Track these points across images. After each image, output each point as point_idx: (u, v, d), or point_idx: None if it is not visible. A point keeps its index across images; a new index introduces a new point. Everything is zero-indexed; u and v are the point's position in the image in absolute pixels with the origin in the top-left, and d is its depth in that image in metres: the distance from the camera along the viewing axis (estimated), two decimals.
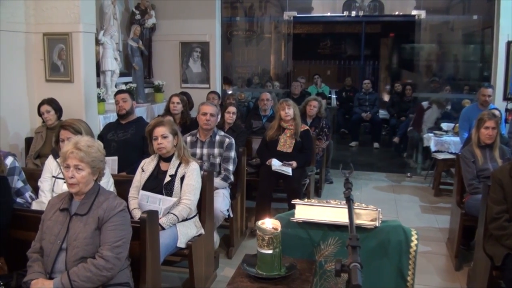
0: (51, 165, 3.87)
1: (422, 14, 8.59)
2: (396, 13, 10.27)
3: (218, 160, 4.67)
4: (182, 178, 3.78)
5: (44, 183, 3.81)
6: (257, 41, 11.07)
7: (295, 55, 10.92)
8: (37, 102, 5.24)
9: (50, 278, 2.69)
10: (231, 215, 4.70)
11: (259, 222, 2.41)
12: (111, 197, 2.85)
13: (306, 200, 2.83)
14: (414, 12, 8.73)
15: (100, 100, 6.15)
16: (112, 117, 5.73)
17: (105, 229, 2.71)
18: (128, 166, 4.63)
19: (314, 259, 2.72)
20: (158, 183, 3.78)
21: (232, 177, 4.71)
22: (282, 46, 10.85)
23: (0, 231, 3.21)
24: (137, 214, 3.61)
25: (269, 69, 11.45)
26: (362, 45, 14.46)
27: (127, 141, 4.93)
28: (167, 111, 6.32)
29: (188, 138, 4.77)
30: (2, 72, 5.32)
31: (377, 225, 2.64)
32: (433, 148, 7.10)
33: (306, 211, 2.75)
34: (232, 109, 5.88)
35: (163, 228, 3.54)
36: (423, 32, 8.85)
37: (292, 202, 2.82)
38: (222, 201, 4.50)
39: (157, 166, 3.89)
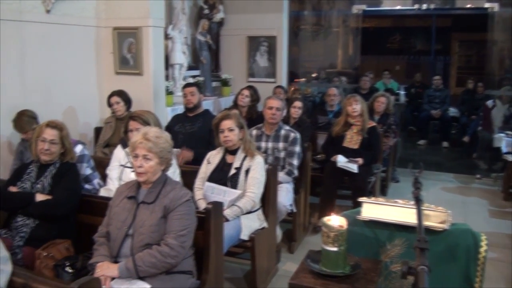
0: (119, 154, 3.97)
1: (495, 6, 8.22)
2: (468, 6, 9.87)
3: (282, 155, 4.64)
4: (247, 171, 3.79)
5: (112, 171, 3.92)
6: (325, 35, 10.95)
7: (363, 50, 10.71)
8: (107, 94, 5.38)
9: (115, 262, 2.76)
10: (295, 210, 4.67)
11: (325, 219, 2.37)
12: (177, 187, 2.88)
13: (373, 198, 2.76)
14: (486, 5, 8.36)
15: (168, 92, 6.26)
16: (180, 110, 5.80)
17: (170, 218, 2.75)
18: (194, 158, 4.68)
19: (379, 259, 2.65)
20: (223, 175, 3.81)
21: (296, 172, 4.67)
22: (350, 41, 10.68)
23: (69, 215, 3.35)
24: (202, 205, 3.65)
25: (336, 63, 11.29)
26: (432, 40, 13.98)
27: (194, 134, 4.98)
28: (235, 104, 6.36)
29: (254, 132, 4.77)
30: (74, 65, 5.51)
31: (446, 228, 2.53)
32: (504, 149, 6.76)
33: (373, 209, 2.68)
34: (298, 103, 5.84)
35: (227, 220, 3.56)
36: (496, 26, 8.46)
37: (359, 200, 2.76)
38: (285, 195, 4.47)
39: (223, 158, 3.92)
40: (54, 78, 5.23)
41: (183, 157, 4.68)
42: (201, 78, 7.44)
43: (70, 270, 2.91)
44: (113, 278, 2.67)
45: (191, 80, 6.90)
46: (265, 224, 3.88)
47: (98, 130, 5.61)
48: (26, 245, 3.17)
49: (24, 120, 4.37)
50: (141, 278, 2.67)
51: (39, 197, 3.28)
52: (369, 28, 13.95)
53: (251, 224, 3.76)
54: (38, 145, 3.41)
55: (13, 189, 3.38)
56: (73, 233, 3.34)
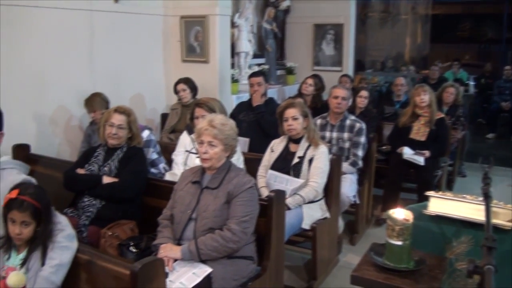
0: (185, 140, 4.04)
1: None
2: None
3: (347, 145, 4.57)
4: (311, 161, 3.75)
5: (178, 156, 3.99)
6: (393, 23, 10.66)
7: (432, 38, 10.34)
8: (174, 81, 5.45)
9: (178, 244, 2.81)
10: (358, 202, 4.59)
11: (391, 211, 2.31)
12: (241, 174, 2.90)
13: (440, 193, 2.67)
14: None
15: (234, 80, 6.29)
16: (245, 98, 5.82)
17: (233, 204, 2.76)
18: (257, 147, 4.68)
19: (444, 256, 2.56)
20: (286, 164, 3.79)
21: (360, 163, 4.59)
22: (418, 28, 10.35)
23: (134, 197, 3.43)
24: (264, 192, 3.66)
25: (404, 52, 10.98)
26: (504, 27, 13.35)
27: (260, 123, 4.98)
28: (299, 93, 6.32)
29: (318, 121, 4.71)
30: (141, 53, 5.64)
31: None
32: None
33: (440, 204, 2.58)
34: (364, 93, 5.72)
35: (289, 208, 3.54)
36: None
37: (426, 194, 2.67)
38: (349, 186, 4.41)
39: (286, 147, 3.90)
40: (122, 65, 5.38)
41: None
42: (266, 66, 7.44)
43: (134, 250, 2.99)
44: (175, 260, 2.72)
45: (256, 68, 6.90)
46: (327, 214, 3.85)
47: (164, 116, 5.72)
48: (91, 224, 3.28)
49: (96, 100, 4.54)
50: (203, 261, 2.71)
51: (106, 180, 3.38)
52: (439, 15, 13.45)
53: (313, 213, 3.73)
54: (106, 129, 3.51)
55: (80, 171, 3.49)
56: (138, 215, 3.43)
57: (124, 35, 5.38)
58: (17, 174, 2.67)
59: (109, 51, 5.22)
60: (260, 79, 5.16)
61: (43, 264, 2.38)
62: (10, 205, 2.36)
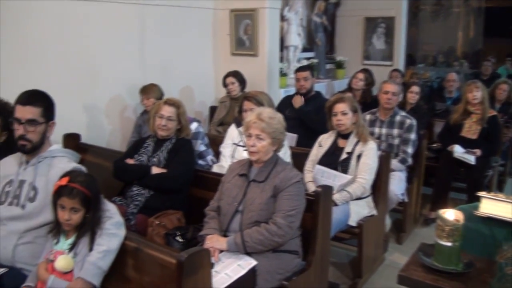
0: (233, 133, 4.06)
1: None
2: None
3: (396, 141, 4.49)
4: (359, 157, 3.71)
5: (226, 149, 4.02)
6: (445, 16, 10.36)
7: (485, 32, 9.97)
8: (222, 74, 5.48)
9: (224, 235, 2.82)
10: (406, 200, 4.51)
11: (441, 211, 2.25)
12: (288, 168, 2.89)
13: (492, 193, 2.58)
14: None
15: (282, 74, 6.28)
16: (293, 91, 5.79)
17: (280, 198, 2.76)
18: (304, 142, 4.65)
19: (494, 260, 2.48)
20: (334, 159, 3.75)
21: (410, 160, 4.50)
22: (471, 22, 10.01)
23: (182, 188, 3.47)
24: (311, 187, 3.64)
25: (456, 46, 10.65)
26: None
27: (304, 120, 4.95)
28: (349, 88, 6.25)
29: (368, 116, 4.65)
30: (191, 46, 5.71)
31: None
32: None
33: (492, 206, 2.49)
34: (415, 88, 5.60)
35: (336, 204, 3.51)
36: None
37: (478, 194, 2.59)
38: (397, 184, 4.33)
39: (335, 142, 3.86)
40: (172, 58, 5.45)
41: None
42: (315, 60, 7.39)
43: (180, 240, 3.03)
44: (221, 251, 2.74)
45: (305, 62, 6.86)
46: (374, 212, 3.79)
47: (213, 109, 5.77)
48: (139, 213, 3.34)
49: (152, 88, 4.67)
50: (248, 254, 2.72)
51: (155, 170, 3.43)
52: (492, 8, 12.93)
53: (360, 210, 3.69)
54: (156, 121, 3.57)
55: (130, 161, 3.56)
56: (185, 205, 3.47)
57: (175, 28, 5.44)
58: (68, 162, 2.74)
59: (160, 44, 5.29)
60: (307, 73, 5.11)
61: (91, 249, 2.42)
62: (60, 191, 2.42)
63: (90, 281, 2.34)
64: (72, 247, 2.45)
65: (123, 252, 2.47)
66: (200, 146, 4.12)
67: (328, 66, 8.03)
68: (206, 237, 2.82)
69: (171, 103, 3.60)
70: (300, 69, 5.27)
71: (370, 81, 6.29)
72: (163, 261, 2.28)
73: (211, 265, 2.40)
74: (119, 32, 4.85)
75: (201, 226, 3.00)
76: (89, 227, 2.45)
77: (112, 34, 4.80)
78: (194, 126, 4.11)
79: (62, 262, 2.39)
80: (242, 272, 2.60)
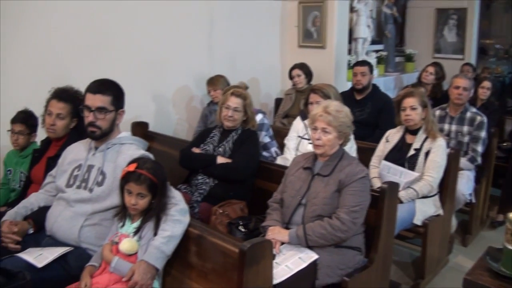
0: (298, 125, 4.04)
1: None
2: None
3: (466, 139, 4.33)
4: (427, 154, 3.61)
5: (290, 141, 4.00)
6: None
7: None
8: (289, 66, 5.45)
9: (286, 228, 2.82)
10: (473, 201, 4.35)
11: (510, 214, 2.15)
12: (354, 163, 2.84)
13: None
14: None
15: (350, 67, 6.17)
16: None
17: (344, 193, 2.72)
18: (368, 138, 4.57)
19: None
20: (401, 155, 3.68)
21: (479, 159, 4.33)
22: None
23: (246, 178, 3.50)
24: (376, 183, 3.58)
25: None
26: None
27: (363, 122, 4.71)
28: (419, 82, 6.08)
29: (437, 112, 4.51)
30: (258, 38, 5.72)
31: None
32: None
33: None
34: (487, 84, 5.37)
35: (401, 202, 3.44)
36: None
37: None
38: (465, 183, 4.19)
39: (402, 138, 3.78)
40: (239, 49, 5.48)
41: None
42: (384, 53, 7.24)
43: (243, 230, 3.05)
44: (282, 243, 2.74)
45: (374, 55, 6.74)
46: (440, 211, 3.68)
47: (278, 101, 5.76)
48: (203, 201, 3.40)
49: (219, 80, 4.74)
50: (310, 247, 2.70)
51: (220, 160, 3.47)
52: None
53: (426, 209, 3.59)
54: (222, 111, 3.61)
55: (196, 150, 3.61)
56: (248, 196, 3.50)
57: (243, 20, 5.47)
58: (136, 149, 2.81)
59: (228, 36, 5.34)
60: (365, 68, 4.96)
61: (155, 234, 2.49)
62: (128, 177, 2.49)
63: (153, 264, 2.40)
64: (137, 231, 2.52)
65: (186, 239, 2.53)
66: (265, 137, 4.13)
67: (397, 59, 7.84)
68: (268, 228, 2.83)
69: (238, 94, 3.62)
70: (358, 64, 5.13)
71: (440, 75, 6.09)
72: (225, 250, 2.31)
73: (273, 257, 2.40)
74: (188, 23, 4.93)
75: (263, 217, 3.01)
76: (154, 213, 2.52)
77: (182, 25, 4.88)
78: (259, 117, 4.12)
79: (127, 244, 2.47)
80: (303, 265, 2.59)
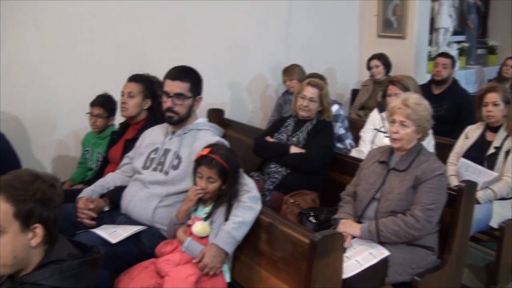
0: (375, 118, 3.96)
1: None
2: None
3: None
4: (507, 153, 3.45)
5: (366, 134, 3.94)
6: None
7: None
8: (367, 57, 5.37)
9: (358, 222, 2.78)
10: None
11: None
12: (431, 159, 2.75)
13: None
14: None
15: (430, 58, 5.99)
16: None
17: (420, 190, 2.65)
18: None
19: None
20: (480, 153, 3.53)
21: None
22: None
23: (319, 169, 3.48)
24: (453, 181, 3.46)
25: None
26: None
27: (440, 119, 4.51)
28: (499, 76, 5.80)
29: None
30: (337, 26, 5.69)
31: None
32: None
33: None
34: None
35: (478, 202, 3.31)
36: None
37: None
38: None
39: (482, 135, 3.63)
40: (317, 38, 5.46)
41: None
42: (466, 44, 6.96)
43: (313, 221, 3.04)
44: (353, 237, 2.70)
45: (455, 46, 6.50)
46: None
47: (355, 92, 5.68)
48: (275, 189, 3.41)
49: (295, 69, 4.75)
50: (381, 243, 2.66)
51: (294, 150, 3.47)
52: None
53: (503, 212, 3.43)
54: (298, 101, 3.60)
55: (270, 139, 3.63)
56: (320, 187, 3.48)
57: (321, 7, 5.43)
58: (212, 135, 2.86)
59: (305, 24, 5.32)
60: (447, 61, 4.83)
61: (226, 219, 2.53)
62: (200, 161, 2.56)
63: (223, 248, 2.45)
64: (209, 215, 2.57)
65: (257, 226, 2.55)
66: (340, 129, 4.09)
67: (479, 51, 7.53)
68: (339, 221, 2.80)
69: (314, 84, 3.60)
70: (441, 55, 5.02)
71: None
72: (296, 239, 2.32)
73: (343, 250, 2.38)
74: (266, 11, 4.95)
75: (335, 209, 2.99)
76: (226, 198, 2.56)
77: (259, 13, 4.91)
78: (334, 108, 4.09)
79: (199, 227, 2.53)
80: (374, 261, 2.55)
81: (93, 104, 3.68)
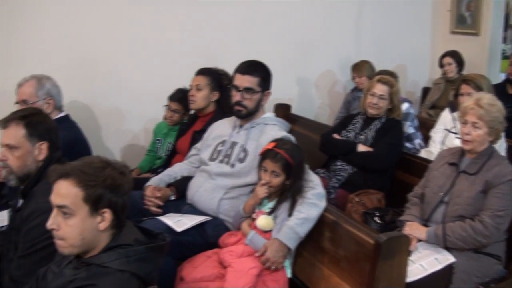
0: (446, 117, 3.84)
1: None
2: None
3: None
4: None
5: (436, 134, 3.83)
6: None
7: None
8: (439, 54, 5.20)
9: (425, 225, 2.72)
10: None
11: None
12: (503, 163, 2.65)
13: None
14: None
15: (504, 57, 5.75)
16: None
17: (490, 195, 2.55)
18: None
19: None
20: None
21: None
22: None
23: (387, 169, 3.42)
24: None
25: None
26: None
27: None
28: None
29: None
30: (408, 22, 5.52)
31: None
32: None
33: None
34: None
35: None
36: None
37: None
38: None
39: None
40: (387, 34, 5.36)
41: None
42: None
43: (379, 221, 2.99)
44: (419, 240, 2.64)
45: None
46: None
47: (426, 90, 5.54)
48: (340, 187, 3.39)
49: (364, 66, 4.71)
50: (447, 249, 2.59)
51: (361, 148, 3.42)
52: None
53: None
54: (367, 98, 3.54)
55: (337, 136, 3.59)
56: (387, 187, 3.41)
57: (393, 3, 5.29)
58: (278, 130, 2.88)
59: (376, 19, 5.23)
60: None
61: (290, 215, 2.53)
62: (265, 154, 2.58)
63: (286, 244, 2.46)
64: (273, 210, 2.59)
65: (321, 223, 2.54)
66: (409, 128, 4.00)
67: None
68: (405, 223, 2.74)
69: (385, 81, 3.53)
70: None
71: None
72: (360, 239, 2.29)
73: (408, 253, 2.33)
74: (336, 6, 4.90)
75: (401, 211, 2.93)
76: (290, 194, 2.57)
77: (329, 8, 4.87)
78: (404, 106, 4.00)
79: (263, 221, 2.57)
80: (439, 267, 2.49)
81: (172, 98, 3.79)
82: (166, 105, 3.78)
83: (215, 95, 3.47)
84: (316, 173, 3.09)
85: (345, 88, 5.14)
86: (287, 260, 2.53)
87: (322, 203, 2.57)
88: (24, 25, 3.68)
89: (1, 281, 2.15)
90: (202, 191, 2.86)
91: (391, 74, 4.10)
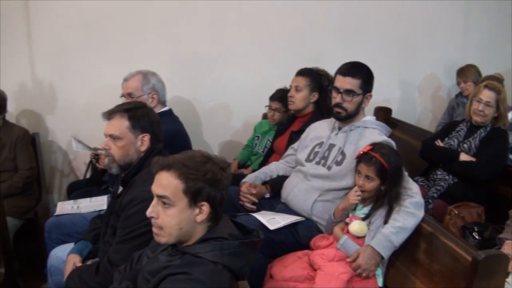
0: None
1: None
2: None
3: None
4: None
5: None
6: None
7: None
8: None
9: None
10: None
11: None
12: None
13: None
14: None
15: None
16: None
17: None
18: None
19: None
20: None
21: None
22: None
23: (489, 181, 3.26)
24: None
25: None
26: None
27: None
28: None
29: None
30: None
31: None
32: None
33: None
34: None
35: None
36: None
37: None
38: None
39: None
40: (496, 37, 5.06)
41: None
42: None
43: (477, 237, 2.87)
44: None
45: None
46: None
47: None
48: (439, 198, 3.28)
49: (470, 70, 4.53)
50: None
51: (463, 157, 3.30)
52: None
53: None
54: (473, 104, 3.41)
55: (439, 143, 3.48)
56: (488, 201, 3.27)
57: (503, 4, 5.00)
58: (378, 134, 2.80)
59: (485, 22, 4.99)
60: None
61: (385, 222, 2.47)
62: (361, 158, 2.54)
63: (379, 251, 2.40)
64: (367, 216, 2.54)
65: (417, 234, 2.46)
66: None
67: None
68: (505, 242, 2.61)
69: (492, 87, 3.38)
70: None
71: None
72: (457, 254, 2.19)
73: (506, 275, 2.21)
74: (441, 8, 4.71)
75: (501, 228, 2.79)
76: (385, 200, 2.50)
77: (434, 10, 4.70)
78: (511, 115, 3.79)
79: (356, 226, 2.52)
80: None
81: (272, 98, 3.83)
82: (267, 105, 3.83)
83: (314, 96, 3.46)
84: (415, 181, 3.01)
85: (449, 93, 4.95)
86: (379, 269, 2.47)
87: (420, 213, 2.48)
88: (133, 26, 3.96)
89: (98, 260, 2.29)
90: (296, 191, 2.87)
91: (498, 79, 3.90)
